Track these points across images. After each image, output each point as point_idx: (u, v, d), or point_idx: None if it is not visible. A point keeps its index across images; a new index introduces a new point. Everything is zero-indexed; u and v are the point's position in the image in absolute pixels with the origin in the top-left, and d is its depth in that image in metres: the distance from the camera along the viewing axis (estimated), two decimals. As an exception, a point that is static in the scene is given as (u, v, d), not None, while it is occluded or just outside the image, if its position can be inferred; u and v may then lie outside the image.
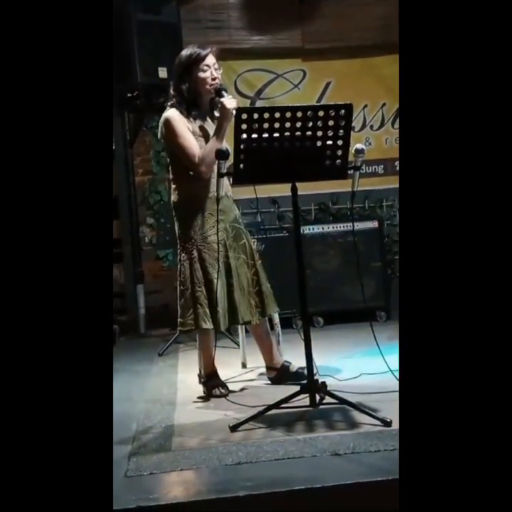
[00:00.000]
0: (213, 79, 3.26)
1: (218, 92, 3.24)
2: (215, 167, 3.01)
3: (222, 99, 3.19)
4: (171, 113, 3.28)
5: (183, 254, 3.30)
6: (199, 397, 3.31)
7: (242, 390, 3.41)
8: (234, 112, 3.02)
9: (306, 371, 3.14)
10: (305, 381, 2.88)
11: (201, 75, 3.26)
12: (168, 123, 3.27)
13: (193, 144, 3.24)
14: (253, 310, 3.33)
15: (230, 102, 3.18)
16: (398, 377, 2.94)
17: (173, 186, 3.37)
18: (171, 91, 3.34)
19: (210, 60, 3.28)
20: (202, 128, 3.29)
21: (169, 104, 3.32)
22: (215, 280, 3.18)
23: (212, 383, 3.33)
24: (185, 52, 3.33)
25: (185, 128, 3.25)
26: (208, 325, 3.21)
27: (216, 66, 3.29)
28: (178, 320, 3.29)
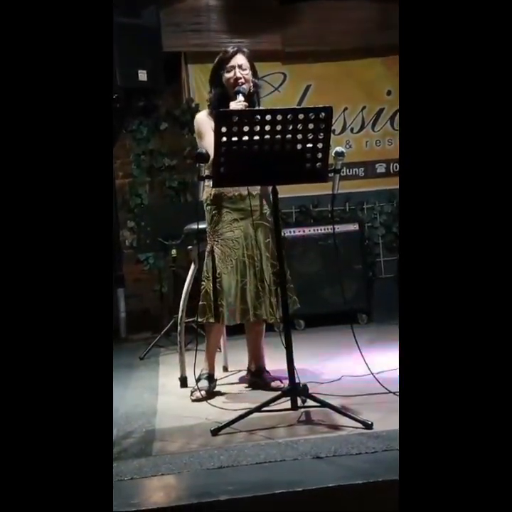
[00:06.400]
0: (236, 79, 3.27)
1: (236, 93, 3.24)
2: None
3: (231, 102, 3.21)
4: (199, 114, 3.43)
5: (208, 248, 3.35)
6: (180, 402, 3.29)
7: (223, 393, 3.39)
8: None
9: (269, 381, 3.30)
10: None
11: (226, 75, 3.30)
12: (195, 124, 3.40)
13: (210, 144, 3.23)
14: (273, 309, 3.31)
15: (235, 105, 3.18)
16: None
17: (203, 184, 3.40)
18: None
19: (237, 60, 3.29)
20: None
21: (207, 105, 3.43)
22: (225, 276, 3.23)
23: (202, 383, 3.32)
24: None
25: (208, 129, 3.26)
26: (210, 319, 3.25)
27: (244, 67, 3.30)
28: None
